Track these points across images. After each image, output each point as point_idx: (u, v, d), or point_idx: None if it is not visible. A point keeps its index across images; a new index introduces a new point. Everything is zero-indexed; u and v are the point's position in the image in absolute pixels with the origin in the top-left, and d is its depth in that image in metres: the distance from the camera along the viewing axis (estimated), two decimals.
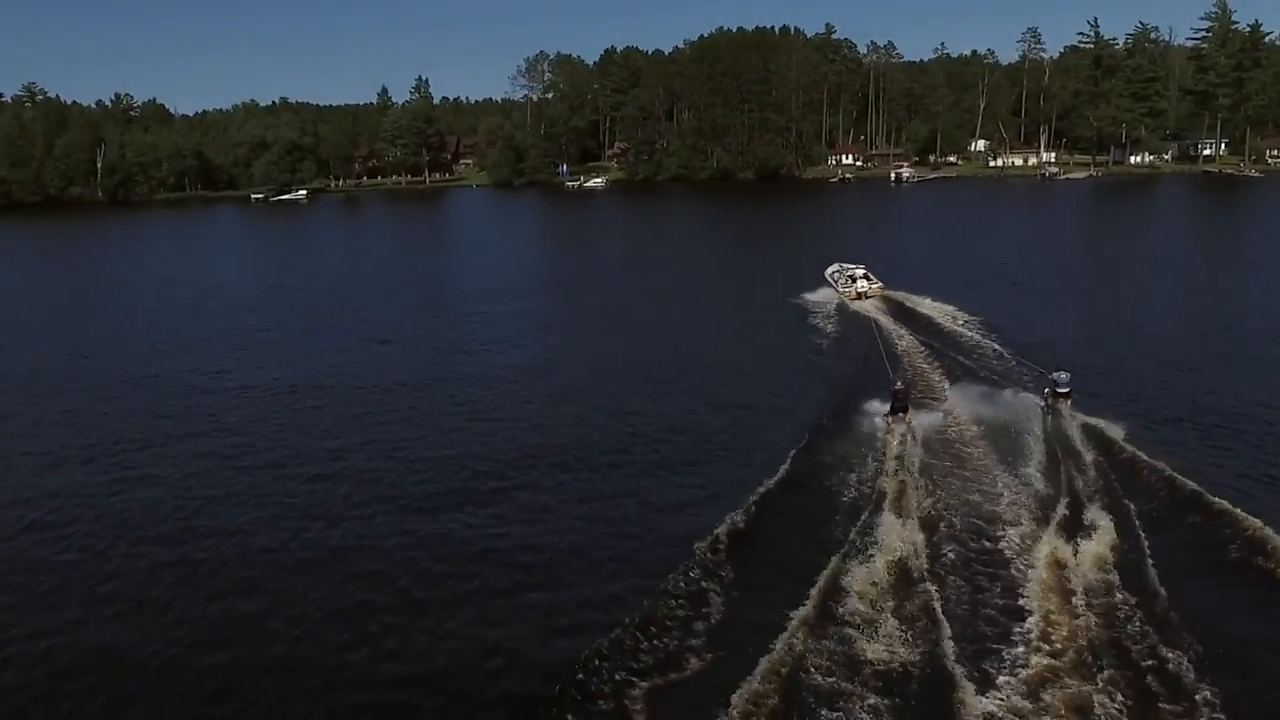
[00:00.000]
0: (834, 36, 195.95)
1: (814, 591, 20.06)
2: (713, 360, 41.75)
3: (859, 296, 52.85)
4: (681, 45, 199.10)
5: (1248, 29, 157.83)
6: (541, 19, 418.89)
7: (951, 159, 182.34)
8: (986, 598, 20.20)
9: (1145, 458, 26.36)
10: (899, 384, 31.99)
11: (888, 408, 30.92)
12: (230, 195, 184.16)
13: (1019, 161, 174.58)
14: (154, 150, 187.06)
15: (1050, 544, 22.08)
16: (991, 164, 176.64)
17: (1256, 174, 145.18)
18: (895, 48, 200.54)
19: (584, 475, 28.25)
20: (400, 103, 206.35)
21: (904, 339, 43.49)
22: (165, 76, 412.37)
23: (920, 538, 22.65)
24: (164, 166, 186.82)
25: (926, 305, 49.79)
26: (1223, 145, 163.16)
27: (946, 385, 34.87)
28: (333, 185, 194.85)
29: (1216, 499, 23.34)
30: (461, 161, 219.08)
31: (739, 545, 22.50)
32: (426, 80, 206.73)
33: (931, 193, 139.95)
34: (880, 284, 54.29)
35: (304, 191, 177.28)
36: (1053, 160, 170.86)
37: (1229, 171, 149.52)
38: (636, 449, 30.45)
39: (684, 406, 34.76)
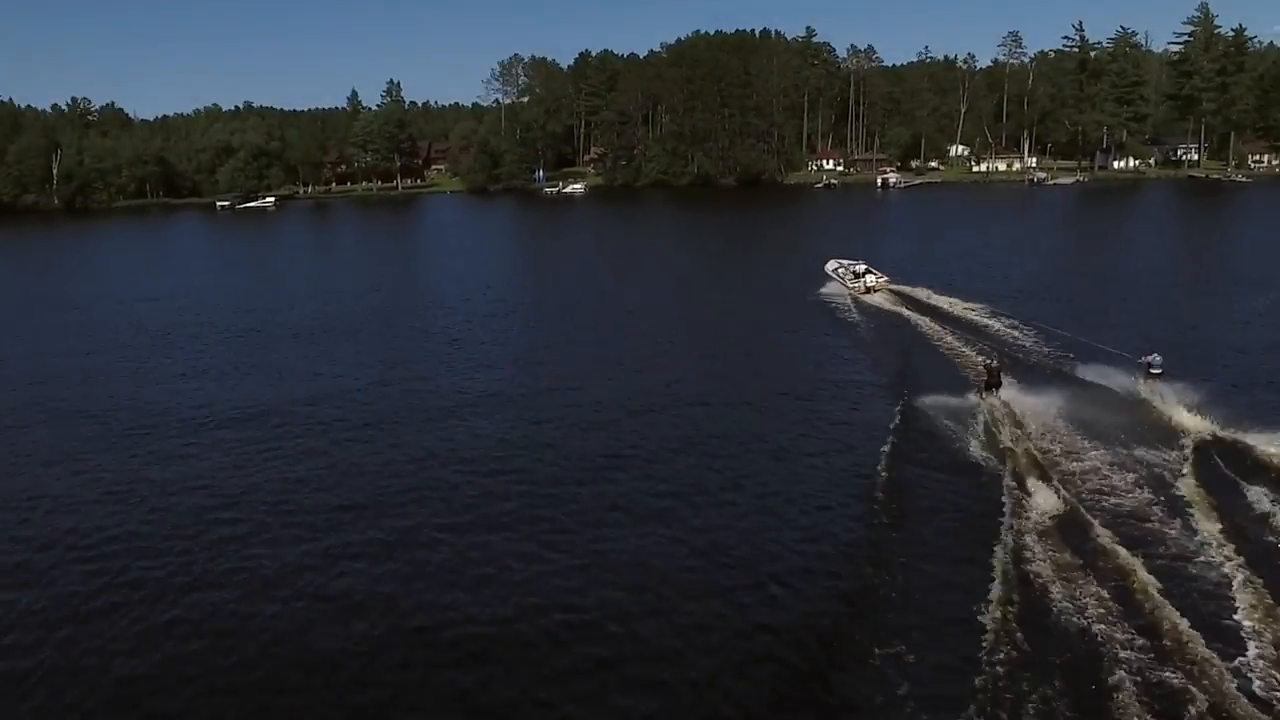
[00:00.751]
0: (814, 40, 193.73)
1: (999, 553, 21.73)
2: (772, 357, 43.44)
3: (868, 291, 54.88)
4: (659, 49, 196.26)
5: (1231, 33, 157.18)
6: (512, 22, 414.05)
7: (933, 164, 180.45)
8: (1171, 550, 21.74)
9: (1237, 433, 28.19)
10: (993, 362, 34.48)
11: (982, 385, 33.35)
12: (195, 202, 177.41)
13: (1002, 167, 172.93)
14: (113, 156, 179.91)
15: (1206, 498, 24.13)
16: (974, 169, 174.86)
17: (1244, 179, 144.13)
18: (875, 51, 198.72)
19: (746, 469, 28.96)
20: (371, 107, 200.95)
21: (933, 327, 45.72)
22: (124, 80, 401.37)
23: (1074, 499, 24.38)
24: (124, 173, 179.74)
25: (937, 299, 51.46)
26: (1204, 150, 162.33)
27: (998, 365, 35.52)
28: (301, 192, 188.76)
29: None
30: (433, 167, 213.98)
31: (903, 516, 24.51)
32: (398, 84, 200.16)
33: (921, 198, 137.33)
34: (886, 278, 56.14)
35: (272, 198, 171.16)
36: (1035, 165, 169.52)
37: (1216, 177, 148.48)
38: (750, 451, 30.59)
39: (772, 401, 35.64)
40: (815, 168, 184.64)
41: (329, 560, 23.50)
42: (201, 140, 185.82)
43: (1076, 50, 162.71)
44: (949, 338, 43.33)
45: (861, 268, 57.37)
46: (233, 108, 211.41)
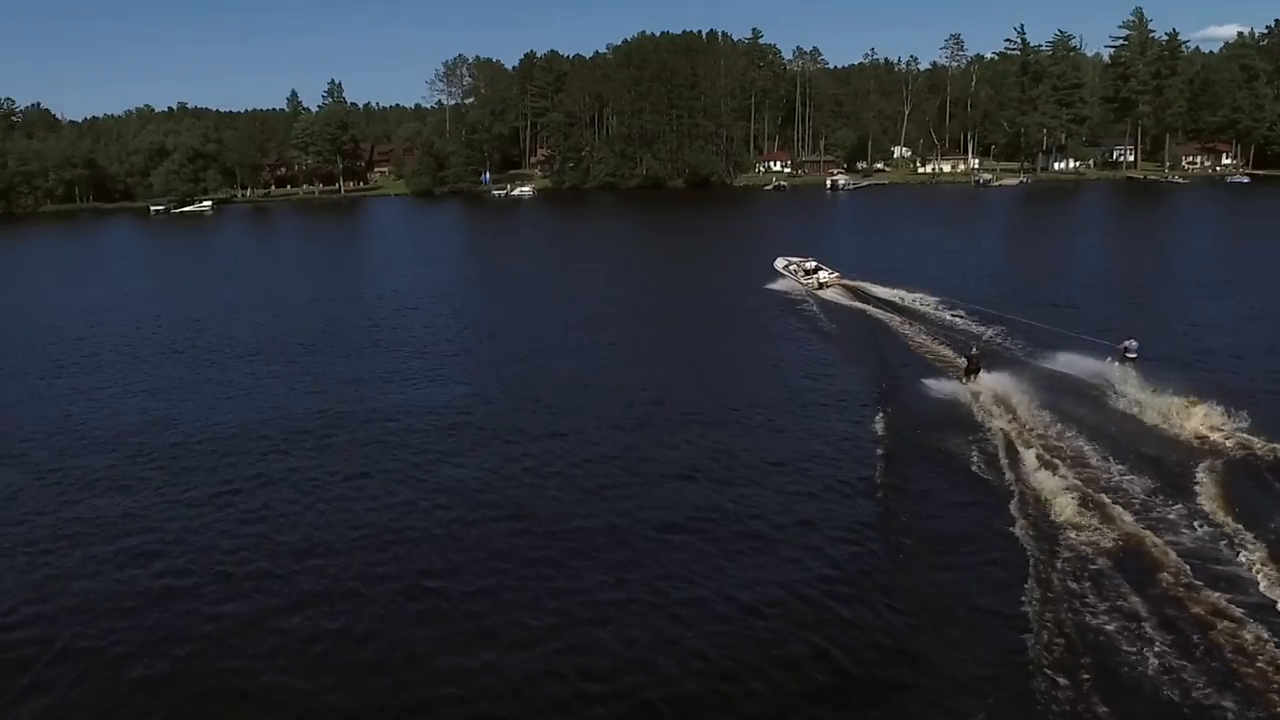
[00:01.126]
0: (760, 41, 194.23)
1: (1021, 525, 23.34)
2: (748, 357, 43.32)
3: (820, 286, 56.57)
4: (605, 50, 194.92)
5: (1165, 37, 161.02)
6: (454, 23, 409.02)
7: (878, 166, 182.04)
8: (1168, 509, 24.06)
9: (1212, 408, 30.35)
10: (974, 350, 36.42)
11: (963, 372, 35.23)
12: (127, 207, 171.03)
13: (947, 168, 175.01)
14: (39, 159, 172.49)
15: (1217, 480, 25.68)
16: (919, 170, 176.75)
17: (1181, 180, 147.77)
18: (820, 53, 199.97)
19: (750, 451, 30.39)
20: (312, 108, 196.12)
21: (893, 319, 47.51)
22: (51, 80, 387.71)
23: (1067, 472, 26.35)
24: (50, 176, 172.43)
25: (891, 292, 52.64)
26: (1141, 152, 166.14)
27: (975, 351, 37.26)
28: (240, 195, 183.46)
29: None
30: (376, 170, 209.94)
31: (905, 491, 26.21)
32: (339, 84, 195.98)
33: (871, 199, 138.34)
34: (837, 274, 57.79)
35: (209, 203, 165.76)
36: (978, 167, 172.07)
37: (1154, 178, 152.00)
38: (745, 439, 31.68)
39: (758, 402, 35.61)
40: (762, 170, 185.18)
41: (293, 616, 21.22)
42: (134, 142, 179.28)
43: (1018, 53, 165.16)
44: (908, 328, 45.25)
45: (812, 264, 59.04)
46: (166, 109, 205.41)
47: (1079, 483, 25.37)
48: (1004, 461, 27.34)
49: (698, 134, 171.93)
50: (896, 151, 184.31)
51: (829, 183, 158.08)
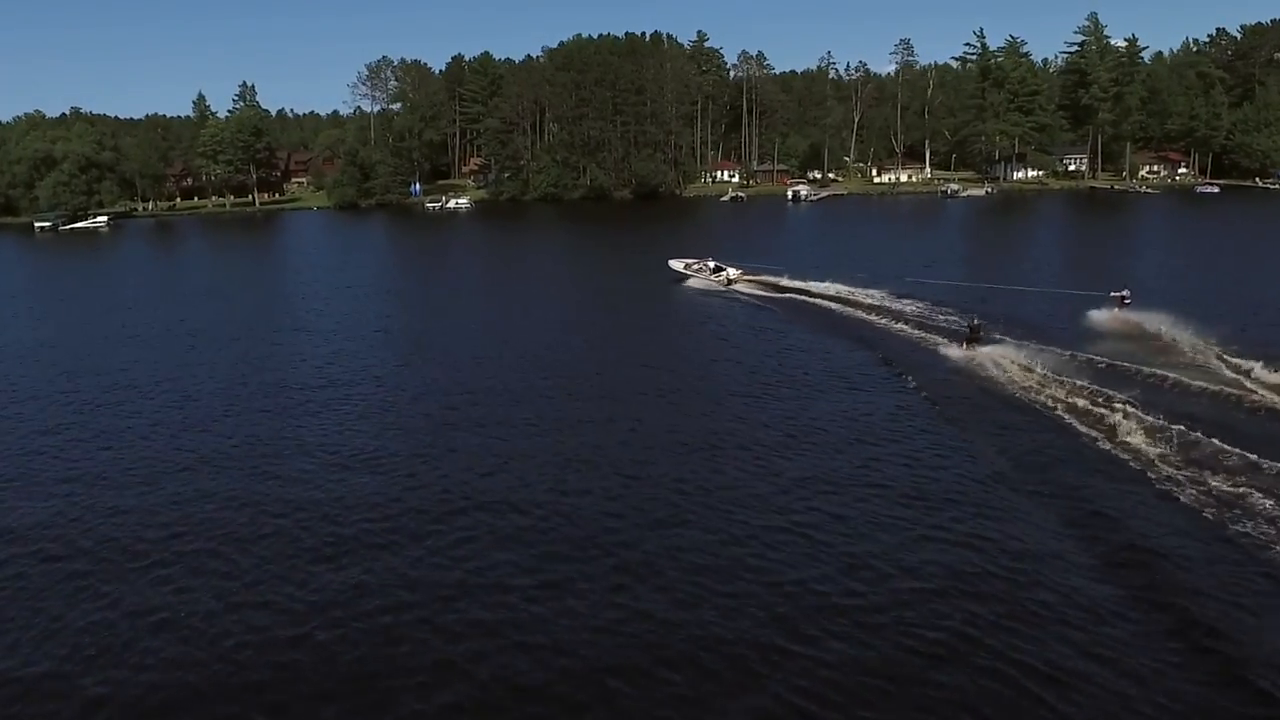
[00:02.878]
0: (706, 44, 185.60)
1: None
2: (726, 360, 41.35)
3: (730, 283, 58.96)
4: (539, 54, 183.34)
5: (1124, 43, 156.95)
6: (373, 22, 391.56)
7: (830, 175, 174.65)
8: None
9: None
10: (975, 320, 39.45)
11: (965, 340, 38.40)
12: (9, 223, 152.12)
13: (904, 178, 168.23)
14: None
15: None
16: (876, 180, 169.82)
17: (1147, 190, 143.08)
18: (766, 58, 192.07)
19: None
20: (221, 114, 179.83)
21: (835, 307, 50.58)
22: None
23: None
24: None
25: (800, 283, 56.02)
26: (1099, 161, 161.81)
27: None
28: (141, 209, 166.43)
29: None
30: (293, 180, 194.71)
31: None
32: (253, 86, 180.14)
33: (836, 211, 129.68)
34: (741, 270, 60.15)
35: (105, 218, 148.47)
36: (933, 176, 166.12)
37: (1120, 188, 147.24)
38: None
39: (764, 404, 34.26)
40: (709, 180, 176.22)
41: None
42: (16, 150, 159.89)
43: (976, 58, 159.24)
44: (862, 314, 48.36)
45: (712, 264, 61.42)
46: (58, 114, 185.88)
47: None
48: (1050, 418, 29.87)
49: (645, 141, 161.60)
50: (848, 160, 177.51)
51: (790, 193, 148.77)
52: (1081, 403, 30.26)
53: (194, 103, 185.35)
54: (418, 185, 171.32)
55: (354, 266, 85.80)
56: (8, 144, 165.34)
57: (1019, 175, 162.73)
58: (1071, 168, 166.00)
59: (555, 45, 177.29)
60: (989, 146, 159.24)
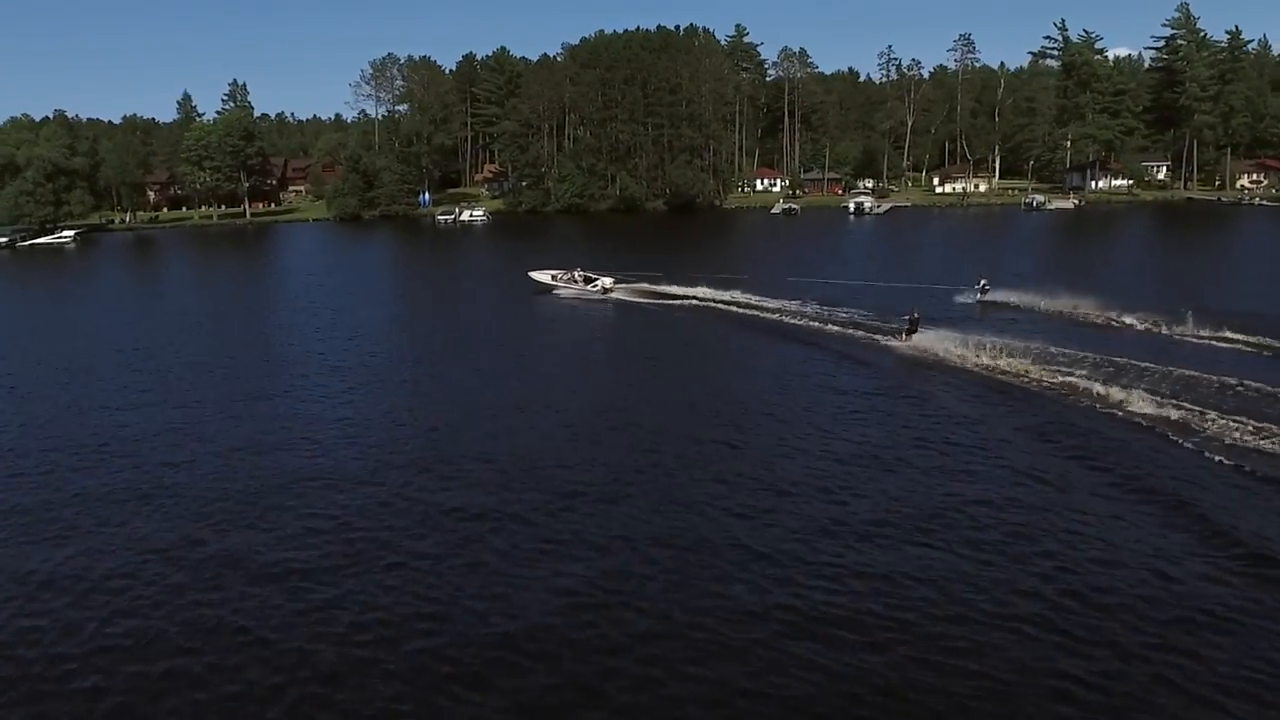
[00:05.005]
0: (745, 40, 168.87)
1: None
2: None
3: (605, 292, 58.38)
4: (560, 51, 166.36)
5: (1226, 36, 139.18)
6: (376, 25, 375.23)
7: (884, 185, 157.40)
8: None
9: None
10: (915, 314, 41.25)
11: (903, 332, 40.50)
12: None
13: (971, 188, 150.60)
14: None
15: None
16: (939, 190, 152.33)
17: (1263, 202, 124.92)
18: (809, 55, 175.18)
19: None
20: (210, 115, 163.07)
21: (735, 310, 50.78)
22: None
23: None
24: None
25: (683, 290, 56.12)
26: (1196, 168, 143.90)
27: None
28: (118, 221, 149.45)
29: None
30: (290, 189, 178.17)
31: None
32: (244, 85, 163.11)
33: (911, 227, 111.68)
34: (613, 279, 59.21)
35: (71, 232, 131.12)
36: (998, 185, 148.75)
37: (1228, 200, 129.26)
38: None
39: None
40: (748, 189, 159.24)
41: None
42: None
43: (1058, 54, 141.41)
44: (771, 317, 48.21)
45: (579, 274, 60.45)
46: (43, 118, 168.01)
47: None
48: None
49: (681, 147, 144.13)
50: (907, 167, 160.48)
51: (851, 205, 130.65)
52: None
53: (179, 103, 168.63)
54: (427, 195, 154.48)
55: (351, 305, 67.62)
56: None
57: (1099, 184, 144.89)
58: (1160, 176, 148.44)
59: (576, 43, 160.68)
60: (1067, 154, 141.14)
